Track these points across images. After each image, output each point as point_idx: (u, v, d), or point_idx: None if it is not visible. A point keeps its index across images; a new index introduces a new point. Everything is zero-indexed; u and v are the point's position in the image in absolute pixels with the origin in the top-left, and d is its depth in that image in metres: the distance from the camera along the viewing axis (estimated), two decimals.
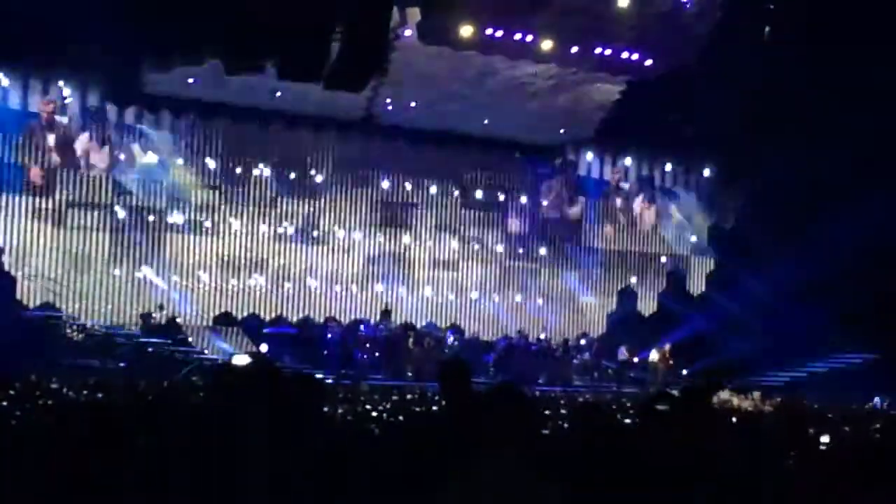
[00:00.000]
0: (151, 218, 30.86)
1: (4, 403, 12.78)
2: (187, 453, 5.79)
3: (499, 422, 5.31)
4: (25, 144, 29.37)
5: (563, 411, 15.79)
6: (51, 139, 29.58)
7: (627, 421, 13.90)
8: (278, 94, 29.33)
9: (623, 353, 33.29)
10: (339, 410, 14.42)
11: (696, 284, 36.69)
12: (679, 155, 35.83)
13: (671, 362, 32.73)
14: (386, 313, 32.29)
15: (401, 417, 13.69)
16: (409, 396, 20.05)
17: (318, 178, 32.77)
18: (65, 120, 29.73)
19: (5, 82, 28.67)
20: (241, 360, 24.86)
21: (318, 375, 24.39)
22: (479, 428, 5.38)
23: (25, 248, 29.44)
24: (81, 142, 29.98)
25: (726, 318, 32.65)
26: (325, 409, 13.19)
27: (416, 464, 5.87)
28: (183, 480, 5.54)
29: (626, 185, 36.37)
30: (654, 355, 32.82)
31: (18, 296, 28.94)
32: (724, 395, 26.26)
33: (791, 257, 29.85)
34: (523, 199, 35.56)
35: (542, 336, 33.69)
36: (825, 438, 10.65)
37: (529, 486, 4.93)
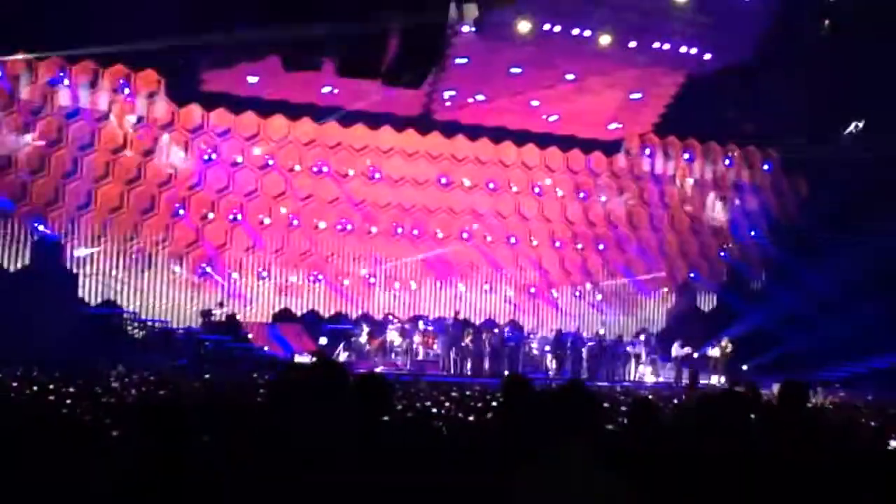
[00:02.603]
0: (211, 215, 31.01)
1: (68, 401, 12.83)
2: (253, 452, 5.78)
3: (568, 417, 5.28)
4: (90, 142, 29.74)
5: (623, 408, 15.63)
6: (113, 136, 29.95)
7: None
8: (335, 90, 29.44)
9: (679, 347, 32.88)
10: (399, 407, 14.34)
11: (757, 279, 36.38)
12: (739, 149, 35.60)
13: (731, 356, 32.40)
14: (456, 316, 32.21)
15: (460, 415, 13.61)
16: (467, 393, 19.97)
17: (377, 175, 32.80)
18: (133, 118, 30.02)
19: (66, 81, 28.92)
20: (305, 358, 25.01)
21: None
22: (548, 423, 5.35)
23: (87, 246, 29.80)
24: (143, 140, 30.32)
25: (787, 312, 32.27)
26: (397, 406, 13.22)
27: (484, 460, 5.84)
28: (248, 479, 5.53)
29: (685, 179, 36.10)
30: (713, 350, 32.55)
31: (80, 293, 29.16)
32: None
33: (853, 251, 29.53)
34: (582, 195, 35.38)
35: (601, 332, 33.54)
36: (894, 443, 10.46)
37: (598, 478, 4.91)
